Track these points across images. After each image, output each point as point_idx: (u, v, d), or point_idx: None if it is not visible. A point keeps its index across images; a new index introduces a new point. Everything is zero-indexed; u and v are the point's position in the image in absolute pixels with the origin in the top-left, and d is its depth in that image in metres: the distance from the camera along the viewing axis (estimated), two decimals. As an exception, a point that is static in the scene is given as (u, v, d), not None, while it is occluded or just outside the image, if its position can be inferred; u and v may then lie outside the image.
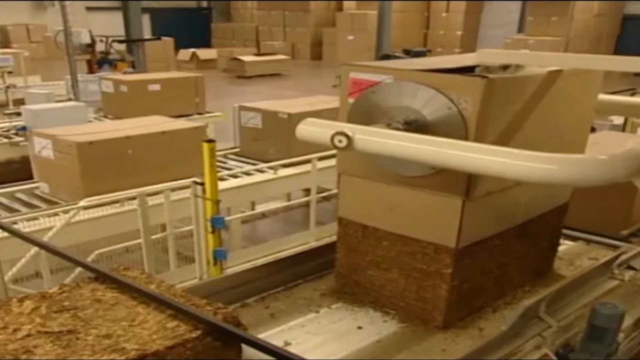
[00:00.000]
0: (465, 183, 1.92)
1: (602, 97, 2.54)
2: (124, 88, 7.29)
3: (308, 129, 1.90)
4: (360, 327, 2.07)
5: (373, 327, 2.08)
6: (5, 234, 3.19)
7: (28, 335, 1.51)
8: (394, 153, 1.77)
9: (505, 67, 2.07)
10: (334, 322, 2.10)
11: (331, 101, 6.55)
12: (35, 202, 4.61)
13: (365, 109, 2.03)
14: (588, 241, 2.87)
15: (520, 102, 1.99)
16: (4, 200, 4.64)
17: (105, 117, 7.56)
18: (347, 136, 1.75)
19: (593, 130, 5.69)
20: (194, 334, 1.53)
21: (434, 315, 2.07)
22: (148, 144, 4.16)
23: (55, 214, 4.11)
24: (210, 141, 3.75)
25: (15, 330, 1.53)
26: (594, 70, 2.33)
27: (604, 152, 1.56)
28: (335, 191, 6.28)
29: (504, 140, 1.93)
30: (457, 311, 2.08)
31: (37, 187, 4.81)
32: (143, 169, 3.52)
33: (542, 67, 2.11)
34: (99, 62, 12.58)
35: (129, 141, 4.48)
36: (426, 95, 1.90)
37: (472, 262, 2.06)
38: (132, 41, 10.86)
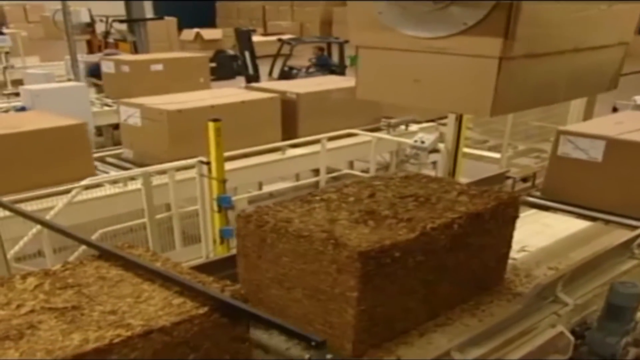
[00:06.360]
0: (501, 39, 1.64)
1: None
2: (125, 68, 7.19)
3: None
4: None
5: (271, 355, 1.79)
6: (7, 213, 3.14)
7: (32, 311, 1.47)
8: None
9: None
10: None
11: (340, 81, 6.33)
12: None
13: None
14: (607, 221, 2.80)
15: None
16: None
17: (107, 97, 7.48)
18: None
19: (615, 110, 5.54)
20: (201, 311, 1.48)
21: (343, 343, 1.75)
22: (230, 112, 4.53)
23: (58, 194, 4.06)
24: (216, 120, 3.68)
25: (18, 306, 1.49)
26: None
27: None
28: (345, 171, 6.22)
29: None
30: (370, 338, 1.77)
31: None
32: (224, 135, 3.74)
33: None
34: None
35: (213, 110, 4.84)
36: None
37: (385, 282, 1.73)
38: (133, 21, 10.72)
